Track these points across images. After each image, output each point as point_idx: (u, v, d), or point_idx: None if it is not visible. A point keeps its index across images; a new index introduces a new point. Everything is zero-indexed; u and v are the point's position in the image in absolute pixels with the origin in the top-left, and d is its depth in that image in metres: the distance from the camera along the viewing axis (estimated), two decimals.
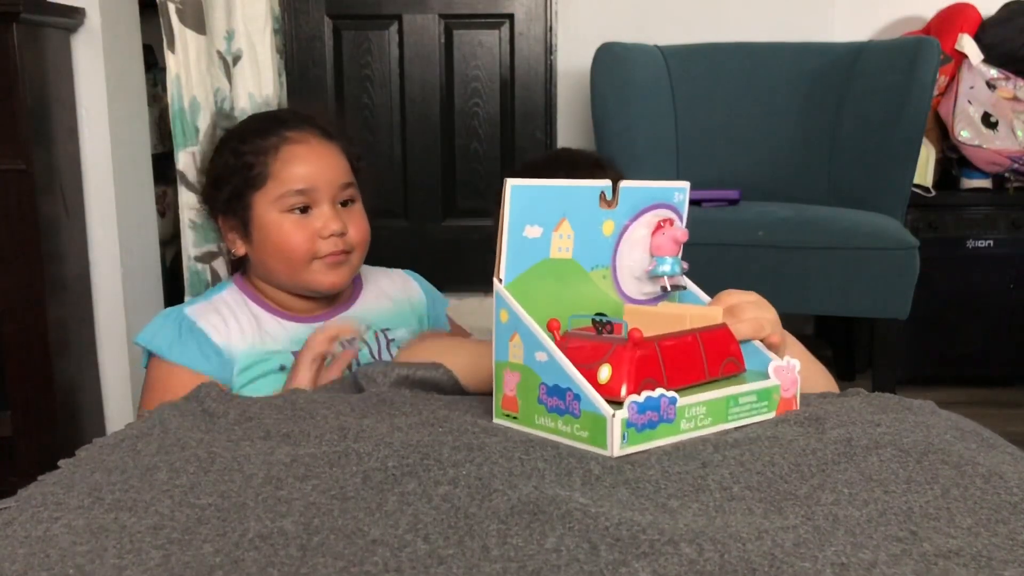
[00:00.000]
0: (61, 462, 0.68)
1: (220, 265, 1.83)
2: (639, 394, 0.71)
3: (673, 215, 0.88)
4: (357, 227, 1.17)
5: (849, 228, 1.89)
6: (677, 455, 0.70)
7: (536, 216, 0.78)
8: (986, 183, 2.47)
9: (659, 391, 0.72)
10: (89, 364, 1.79)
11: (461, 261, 2.74)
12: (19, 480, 0.68)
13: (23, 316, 1.62)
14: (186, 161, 1.80)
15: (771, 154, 2.34)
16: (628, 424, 0.70)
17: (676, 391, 0.74)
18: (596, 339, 0.76)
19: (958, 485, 0.64)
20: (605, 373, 0.73)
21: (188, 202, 1.81)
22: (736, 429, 0.77)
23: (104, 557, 0.53)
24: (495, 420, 0.79)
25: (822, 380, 0.98)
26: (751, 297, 0.89)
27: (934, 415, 0.80)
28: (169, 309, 1.19)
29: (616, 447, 0.69)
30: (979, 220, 2.39)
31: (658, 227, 0.86)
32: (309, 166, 1.14)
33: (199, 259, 1.82)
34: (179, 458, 0.68)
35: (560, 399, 0.73)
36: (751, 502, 0.62)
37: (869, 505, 0.61)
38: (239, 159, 1.15)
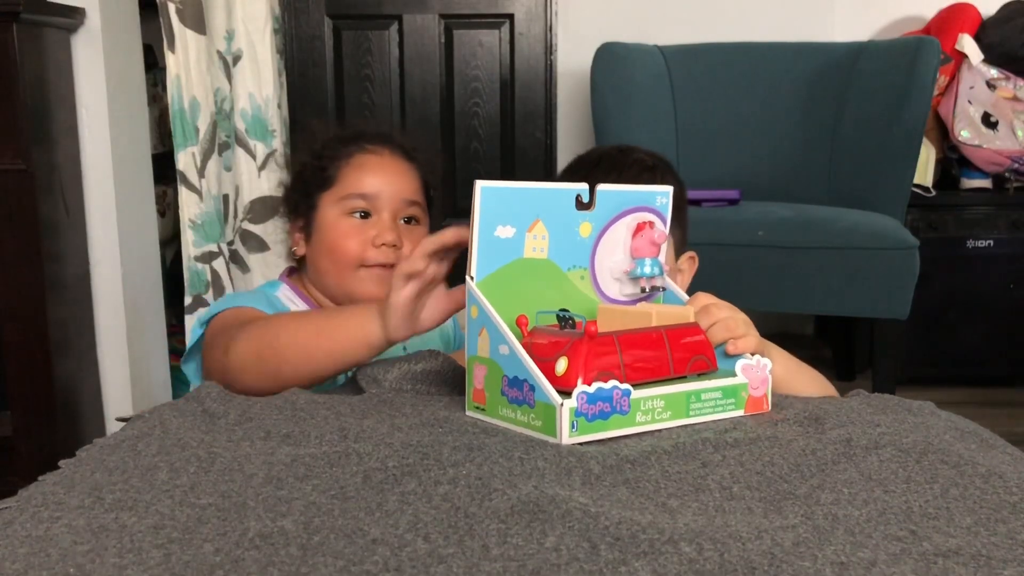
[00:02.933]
0: (61, 462, 0.69)
1: (220, 265, 1.83)
2: (590, 385, 0.73)
3: (655, 218, 0.89)
4: (414, 246, 1.17)
5: (849, 228, 1.89)
6: (677, 454, 0.70)
7: (508, 217, 0.81)
8: (986, 183, 2.47)
9: (611, 383, 0.73)
10: (89, 364, 1.79)
11: (461, 261, 2.74)
12: (19, 480, 0.68)
13: (23, 316, 1.62)
14: (186, 161, 1.80)
15: (771, 154, 2.34)
16: (577, 413, 0.72)
17: (638, 385, 0.75)
18: (558, 334, 0.78)
19: (957, 485, 0.64)
20: (562, 365, 0.75)
21: (188, 202, 1.81)
22: (735, 428, 0.77)
23: (104, 556, 0.53)
24: (467, 412, 0.82)
25: (815, 386, 0.97)
26: (723, 303, 0.90)
27: (933, 416, 0.80)
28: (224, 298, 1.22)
29: (565, 435, 0.72)
30: (979, 220, 2.39)
31: (639, 229, 0.88)
32: (377, 176, 1.16)
33: (199, 259, 1.82)
34: (179, 458, 0.68)
35: (519, 390, 0.76)
36: (751, 502, 0.62)
37: (869, 505, 0.61)
38: (317, 161, 1.19)
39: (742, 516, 0.59)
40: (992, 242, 2.39)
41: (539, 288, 0.85)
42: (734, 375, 0.82)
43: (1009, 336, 2.41)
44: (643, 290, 0.90)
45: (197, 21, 1.76)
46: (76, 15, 1.71)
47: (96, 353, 1.81)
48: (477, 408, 0.81)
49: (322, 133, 1.26)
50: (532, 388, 0.74)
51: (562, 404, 0.72)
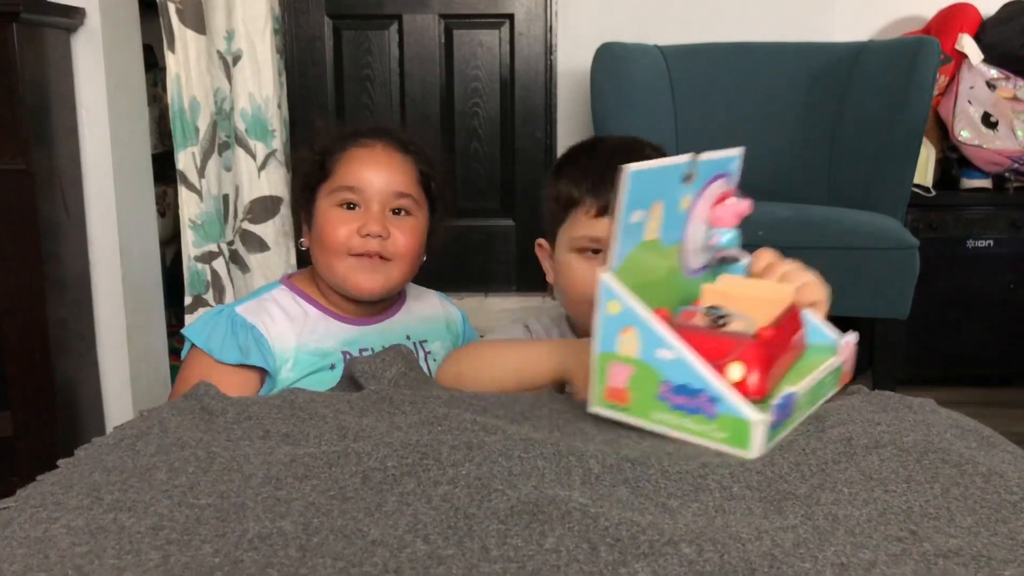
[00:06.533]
0: (60, 462, 0.68)
1: (220, 265, 1.82)
2: (771, 395, 0.71)
3: (730, 184, 0.87)
4: (402, 238, 1.20)
5: (849, 228, 1.89)
6: (677, 454, 0.70)
7: (641, 200, 0.76)
8: (986, 183, 2.47)
9: (788, 390, 0.72)
10: (89, 364, 1.79)
11: (461, 261, 2.74)
12: (19, 480, 0.68)
13: (23, 316, 1.62)
14: (186, 161, 1.80)
15: (771, 154, 2.34)
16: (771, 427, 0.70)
17: (781, 383, 0.75)
18: (716, 334, 0.74)
19: (958, 484, 0.64)
20: (737, 372, 0.72)
21: (188, 202, 1.81)
22: None
23: (103, 558, 0.53)
24: (594, 408, 0.77)
25: None
26: (789, 261, 0.91)
27: (934, 413, 0.79)
28: (220, 307, 1.24)
29: (760, 449, 0.69)
30: (979, 220, 2.39)
31: (721, 198, 0.85)
32: (367, 168, 1.20)
33: (199, 259, 1.82)
34: (178, 458, 0.68)
35: (689, 397, 0.72)
36: (751, 502, 0.62)
37: (869, 505, 0.61)
38: (318, 156, 1.24)
39: (742, 516, 0.59)
40: (992, 242, 2.39)
41: (655, 273, 0.81)
42: (819, 349, 0.80)
43: (1009, 336, 2.41)
44: (715, 260, 0.87)
45: (197, 21, 1.76)
46: (76, 15, 1.70)
47: (96, 353, 1.81)
48: (612, 407, 0.76)
49: (325, 130, 1.29)
50: (713, 400, 0.70)
51: (759, 420, 0.68)
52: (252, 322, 1.17)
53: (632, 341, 0.74)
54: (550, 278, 1.17)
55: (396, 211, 1.20)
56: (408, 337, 1.26)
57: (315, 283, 1.25)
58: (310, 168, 1.23)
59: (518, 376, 0.96)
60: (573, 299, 1.12)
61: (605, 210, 1.07)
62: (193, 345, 1.18)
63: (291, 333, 1.18)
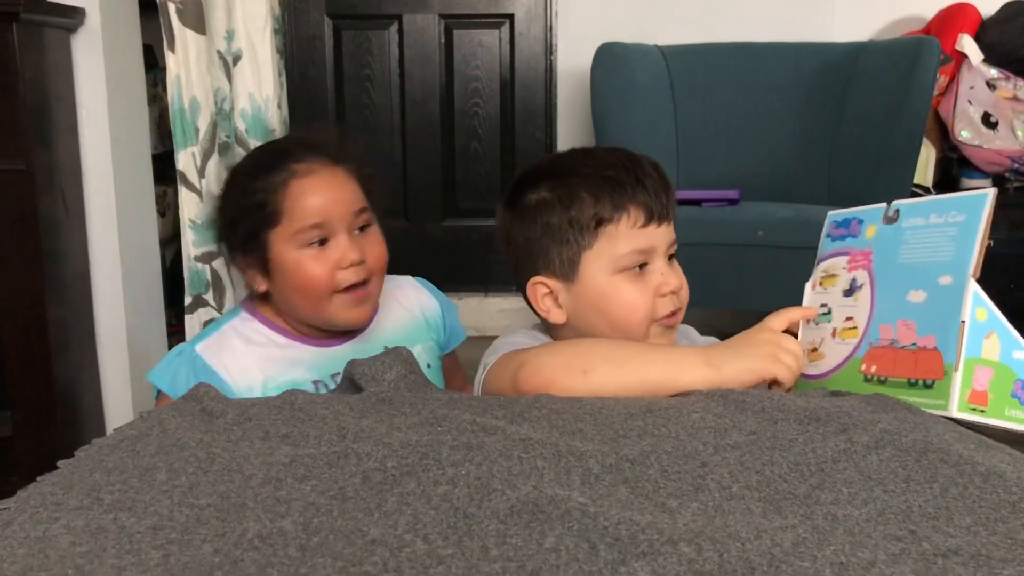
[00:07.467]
0: (60, 463, 0.68)
1: (220, 265, 1.83)
2: None
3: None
4: (375, 252, 1.15)
5: None
6: (676, 454, 0.70)
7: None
8: (986, 183, 2.47)
9: None
10: (89, 364, 1.79)
11: (461, 261, 2.74)
12: (19, 480, 0.68)
13: (23, 316, 1.62)
14: (186, 161, 1.80)
15: (771, 154, 2.34)
16: None
17: None
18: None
19: (957, 484, 0.64)
20: None
21: (188, 202, 1.81)
22: (734, 428, 0.77)
23: (103, 558, 0.53)
24: (958, 413, 0.80)
25: None
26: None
27: (933, 414, 0.80)
28: (180, 347, 1.17)
29: None
30: None
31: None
32: (321, 198, 1.11)
33: (199, 259, 1.82)
34: (178, 458, 0.68)
35: None
36: (750, 501, 0.62)
37: (868, 504, 0.61)
38: (250, 198, 1.13)
39: (741, 516, 0.59)
40: (992, 242, 2.38)
41: None
42: None
43: None
44: None
45: (197, 21, 1.76)
46: (76, 15, 1.71)
47: (96, 353, 1.81)
48: (973, 409, 0.81)
49: (242, 169, 1.20)
50: None
51: None
52: (213, 366, 1.13)
53: (994, 345, 0.82)
54: (556, 317, 1.03)
55: (360, 228, 1.15)
56: (386, 348, 1.23)
57: (277, 307, 1.20)
58: (251, 215, 1.13)
59: (674, 373, 0.90)
60: (626, 326, 1.00)
61: (652, 215, 0.99)
62: (159, 390, 1.14)
63: (256, 369, 1.14)
